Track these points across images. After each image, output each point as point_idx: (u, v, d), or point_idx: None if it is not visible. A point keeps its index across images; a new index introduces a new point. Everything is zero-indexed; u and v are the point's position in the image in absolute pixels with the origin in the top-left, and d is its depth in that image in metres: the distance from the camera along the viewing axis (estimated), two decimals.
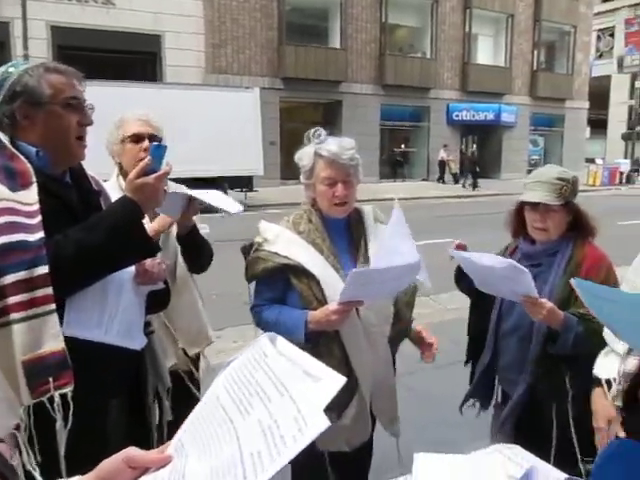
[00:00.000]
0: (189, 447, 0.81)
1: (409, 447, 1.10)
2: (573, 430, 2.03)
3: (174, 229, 2.31)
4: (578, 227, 2.17)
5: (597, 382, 1.76)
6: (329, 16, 23.10)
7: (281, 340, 0.90)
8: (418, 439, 3.12)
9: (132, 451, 0.81)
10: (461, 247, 2.21)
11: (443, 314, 5.47)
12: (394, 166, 26.12)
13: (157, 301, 1.86)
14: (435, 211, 14.87)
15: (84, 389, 1.44)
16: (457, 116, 26.17)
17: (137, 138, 2.28)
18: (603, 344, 1.82)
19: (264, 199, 16.36)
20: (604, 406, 1.72)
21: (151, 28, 18.65)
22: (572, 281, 1.37)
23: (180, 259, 2.39)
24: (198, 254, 2.39)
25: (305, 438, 0.69)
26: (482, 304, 2.36)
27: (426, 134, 26.00)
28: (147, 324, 1.84)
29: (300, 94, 22.08)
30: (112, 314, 1.59)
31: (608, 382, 1.70)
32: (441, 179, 24.72)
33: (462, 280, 2.33)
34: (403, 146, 26.64)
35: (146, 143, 2.26)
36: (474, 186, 22.97)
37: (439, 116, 25.78)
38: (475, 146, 25.43)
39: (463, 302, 2.65)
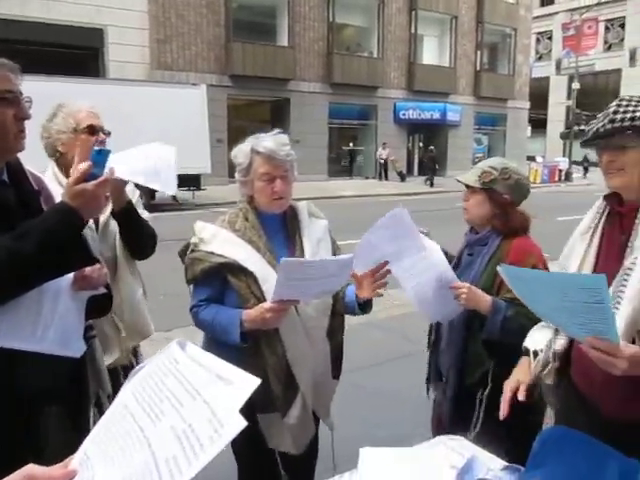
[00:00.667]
0: (95, 459, 0.79)
1: (358, 444, 1.12)
2: (480, 420, 2.10)
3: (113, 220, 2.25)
4: (509, 220, 2.22)
5: (525, 352, 1.79)
6: (277, 14, 23.01)
7: (191, 346, 0.89)
8: (367, 436, 3.16)
9: (33, 468, 0.78)
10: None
11: (391, 310, 5.54)
12: (343, 164, 26.33)
13: (98, 306, 1.79)
14: (389, 208, 15.06)
15: (15, 396, 1.38)
16: (404, 115, 26.57)
17: (92, 130, 2.22)
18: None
19: (212, 198, 16.17)
20: (523, 371, 1.76)
21: (92, 22, 18.07)
22: (498, 268, 1.43)
23: (119, 250, 2.32)
24: (137, 234, 2.30)
25: (222, 439, 0.69)
26: None
27: (374, 132, 26.30)
28: (88, 328, 1.78)
29: (248, 92, 21.92)
30: (47, 322, 1.52)
31: (535, 353, 1.75)
32: (383, 177, 24.89)
33: None
34: (351, 144, 26.87)
35: (101, 136, 2.22)
36: (431, 183, 23.48)
37: (386, 115, 26.11)
38: (428, 146, 25.86)
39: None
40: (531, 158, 30.39)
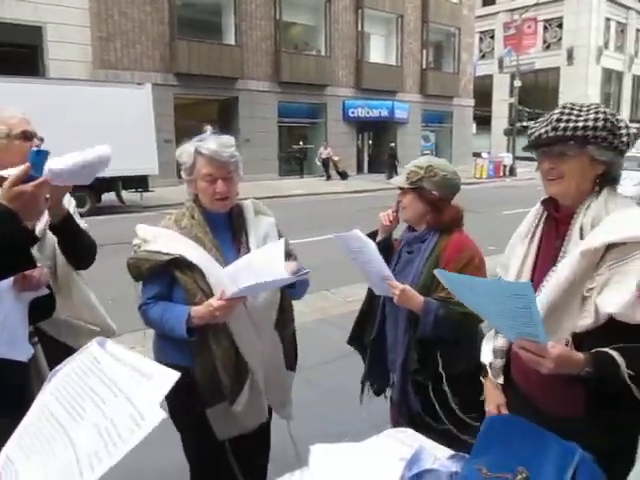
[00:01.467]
0: (18, 462, 0.79)
1: (313, 441, 1.12)
2: (457, 410, 2.17)
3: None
4: (444, 216, 2.31)
5: (484, 369, 1.86)
6: (222, 12, 22.77)
7: (111, 343, 0.91)
8: (320, 433, 3.18)
9: None
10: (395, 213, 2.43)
11: (342, 306, 5.58)
12: (293, 163, 26.31)
13: (41, 308, 1.75)
14: (341, 205, 15.16)
15: None
16: (353, 113, 26.77)
17: (26, 136, 2.14)
18: (469, 327, 1.96)
19: (161, 199, 15.86)
20: (493, 392, 1.83)
21: (30, 19, 17.42)
22: (435, 271, 1.50)
23: (60, 259, 2.26)
24: (77, 245, 2.21)
25: (142, 430, 0.71)
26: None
27: (323, 131, 26.39)
28: (31, 334, 1.73)
29: (195, 90, 21.61)
30: None
31: (490, 365, 1.81)
32: (327, 176, 24.74)
33: None
34: (301, 143, 26.89)
35: (36, 142, 2.14)
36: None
37: (335, 113, 26.25)
38: (378, 144, 26.02)
39: (362, 294, 2.73)
40: (477, 154, 31.12)
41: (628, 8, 43.83)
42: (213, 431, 2.10)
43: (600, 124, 1.52)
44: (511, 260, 1.76)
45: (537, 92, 37.57)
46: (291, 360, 2.32)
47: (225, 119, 22.84)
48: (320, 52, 25.75)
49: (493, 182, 25.43)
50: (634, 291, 1.40)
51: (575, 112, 1.55)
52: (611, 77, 43.45)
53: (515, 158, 29.25)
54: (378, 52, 28.05)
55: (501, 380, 1.78)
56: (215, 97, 23.05)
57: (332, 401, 3.93)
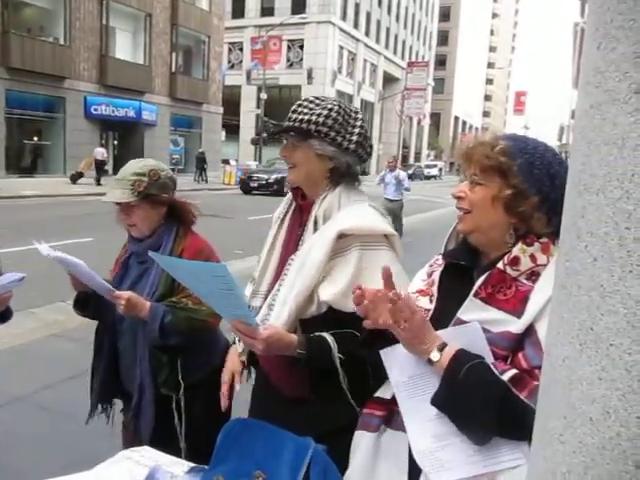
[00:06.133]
0: None
1: (48, 470, 0.99)
2: (177, 421, 2.09)
3: None
4: (176, 218, 2.19)
5: (233, 341, 1.88)
6: None
7: None
8: (59, 459, 2.88)
9: None
10: None
11: (82, 318, 5.16)
12: (26, 160, 23.54)
13: None
14: (83, 209, 13.99)
15: None
16: (96, 110, 25.08)
17: None
18: (199, 332, 1.98)
19: None
20: (232, 360, 1.84)
21: None
22: (150, 253, 1.48)
23: None
24: None
25: None
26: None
27: (62, 127, 24.17)
28: None
29: None
30: None
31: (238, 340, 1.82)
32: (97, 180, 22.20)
33: None
34: (36, 138, 24.21)
35: None
36: (205, 180, 26.57)
37: (76, 108, 24.23)
38: (122, 144, 24.69)
39: None
40: (225, 161, 31.93)
41: (358, 40, 49.61)
42: None
43: (322, 120, 1.60)
44: (264, 247, 1.81)
45: (282, 106, 39.68)
46: None
47: None
48: (58, 40, 23.49)
49: None
50: (348, 281, 1.52)
51: (309, 106, 1.64)
52: (344, 99, 48.57)
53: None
54: (125, 49, 26.79)
55: (244, 358, 1.81)
56: None
57: (69, 426, 3.57)
